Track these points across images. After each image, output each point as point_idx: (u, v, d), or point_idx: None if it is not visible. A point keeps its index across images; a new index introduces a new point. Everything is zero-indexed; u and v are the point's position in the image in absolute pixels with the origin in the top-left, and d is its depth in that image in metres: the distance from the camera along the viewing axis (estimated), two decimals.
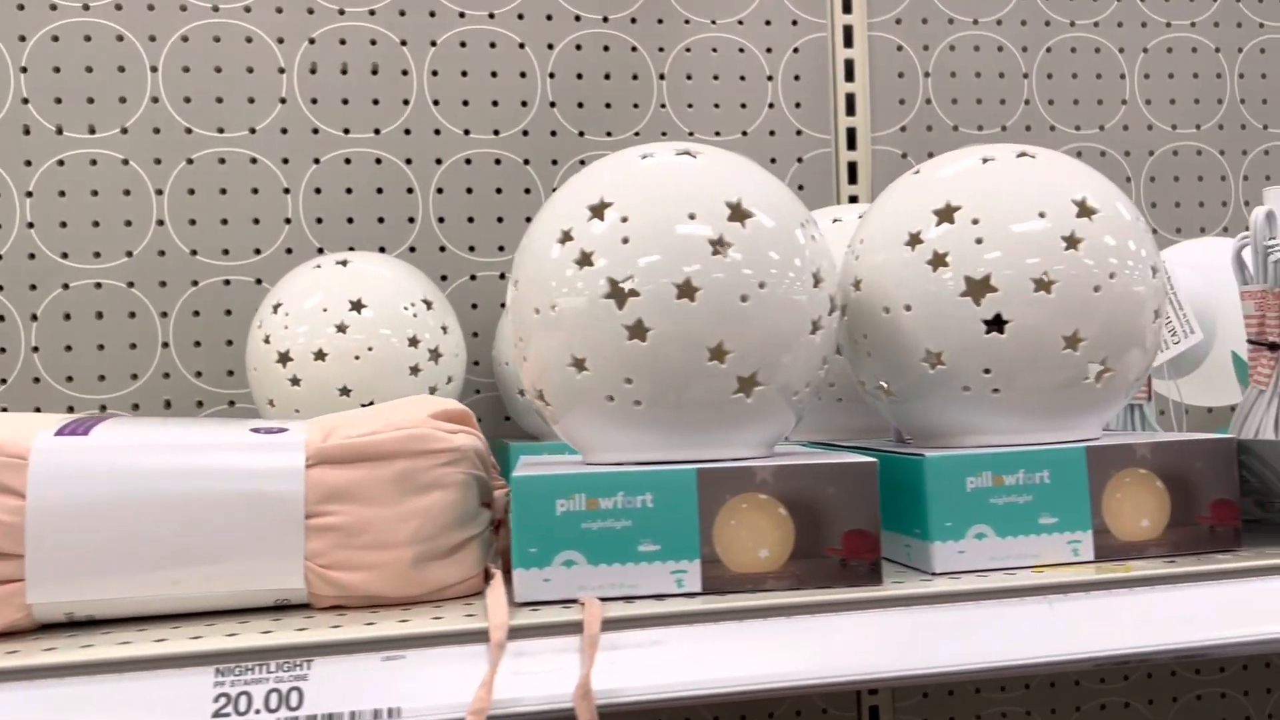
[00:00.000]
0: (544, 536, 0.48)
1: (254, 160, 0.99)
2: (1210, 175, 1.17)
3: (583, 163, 1.05)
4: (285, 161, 0.99)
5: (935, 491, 0.51)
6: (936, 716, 1.09)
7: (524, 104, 1.04)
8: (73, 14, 0.97)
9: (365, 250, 0.99)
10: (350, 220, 1.00)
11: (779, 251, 0.50)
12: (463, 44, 1.03)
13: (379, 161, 1.01)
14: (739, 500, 0.49)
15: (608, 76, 1.06)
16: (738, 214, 0.50)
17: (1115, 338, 0.53)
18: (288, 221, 0.99)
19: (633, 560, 0.48)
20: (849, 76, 1.10)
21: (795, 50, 1.10)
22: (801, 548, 0.49)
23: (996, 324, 0.53)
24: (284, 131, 0.99)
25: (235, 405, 0.98)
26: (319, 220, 1.00)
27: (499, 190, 1.03)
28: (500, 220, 1.03)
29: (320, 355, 0.79)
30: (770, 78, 1.09)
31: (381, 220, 1.01)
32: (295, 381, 0.79)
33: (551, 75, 1.05)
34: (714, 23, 1.08)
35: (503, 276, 1.02)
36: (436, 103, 1.02)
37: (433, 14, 1.02)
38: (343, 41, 1.01)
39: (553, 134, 1.05)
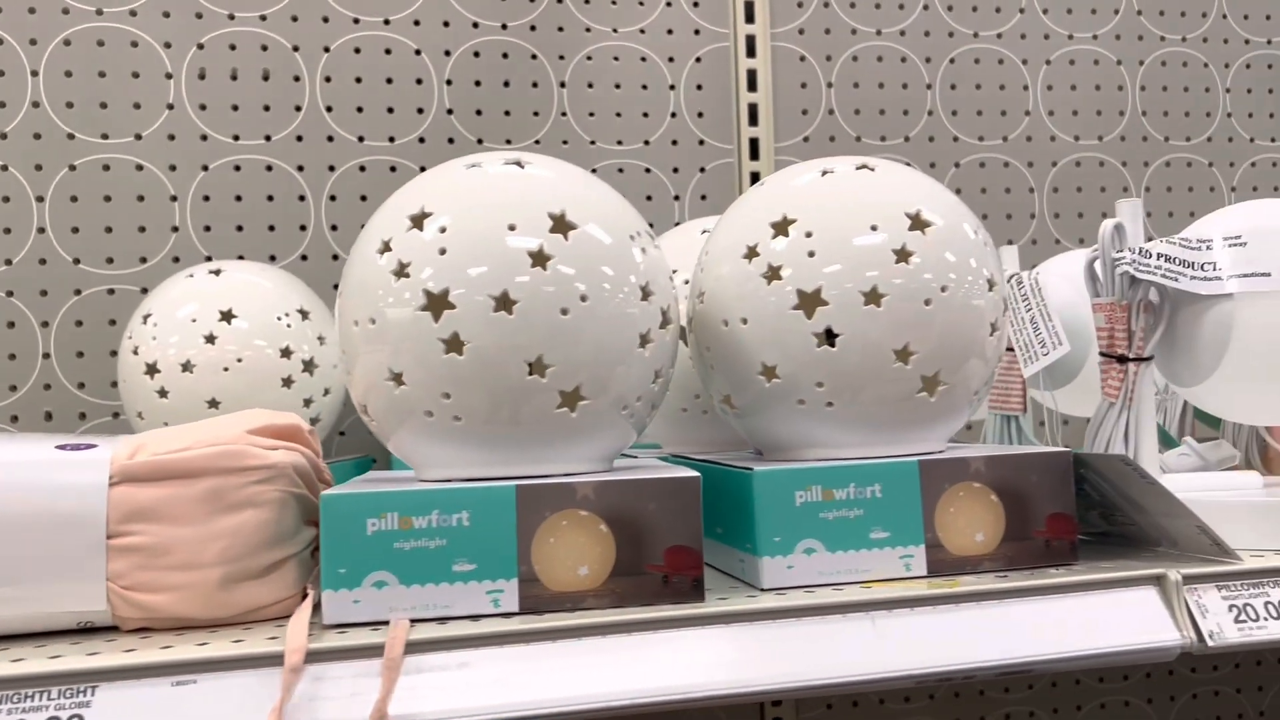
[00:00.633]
0: (353, 557, 0.46)
1: (140, 167, 0.97)
2: (1113, 186, 1.18)
3: None
4: (172, 168, 0.98)
5: (763, 506, 0.51)
6: None
7: (420, 111, 1.03)
8: None
9: (256, 259, 0.97)
10: (240, 228, 0.99)
11: (605, 264, 0.49)
12: (357, 50, 1.02)
13: (270, 168, 0.99)
14: (559, 517, 0.48)
15: (507, 84, 1.05)
16: (561, 226, 0.49)
17: (949, 351, 0.53)
18: (175, 229, 0.97)
19: (447, 580, 0.47)
20: (752, 86, 1.10)
21: (698, 60, 1.09)
22: (622, 565, 0.48)
23: (828, 337, 0.52)
24: (171, 138, 0.97)
25: (119, 418, 0.96)
26: (207, 228, 0.98)
27: None
28: None
29: (188, 367, 0.77)
30: (673, 87, 1.09)
31: (272, 228, 0.99)
32: (163, 393, 0.77)
33: (449, 82, 1.04)
34: (615, 31, 1.08)
35: None
36: (330, 109, 1.01)
37: (326, 19, 1.01)
38: (232, 47, 0.99)
39: (450, 141, 1.04)
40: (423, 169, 1.03)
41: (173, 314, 0.79)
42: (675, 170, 1.08)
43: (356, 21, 1.02)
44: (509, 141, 1.05)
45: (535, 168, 0.51)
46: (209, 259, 0.97)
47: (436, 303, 0.48)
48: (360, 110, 1.01)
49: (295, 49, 1.00)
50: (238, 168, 0.99)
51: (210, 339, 0.77)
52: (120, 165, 0.97)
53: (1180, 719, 1.15)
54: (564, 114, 1.06)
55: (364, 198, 1.01)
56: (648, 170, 1.07)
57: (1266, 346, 0.57)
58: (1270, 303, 0.57)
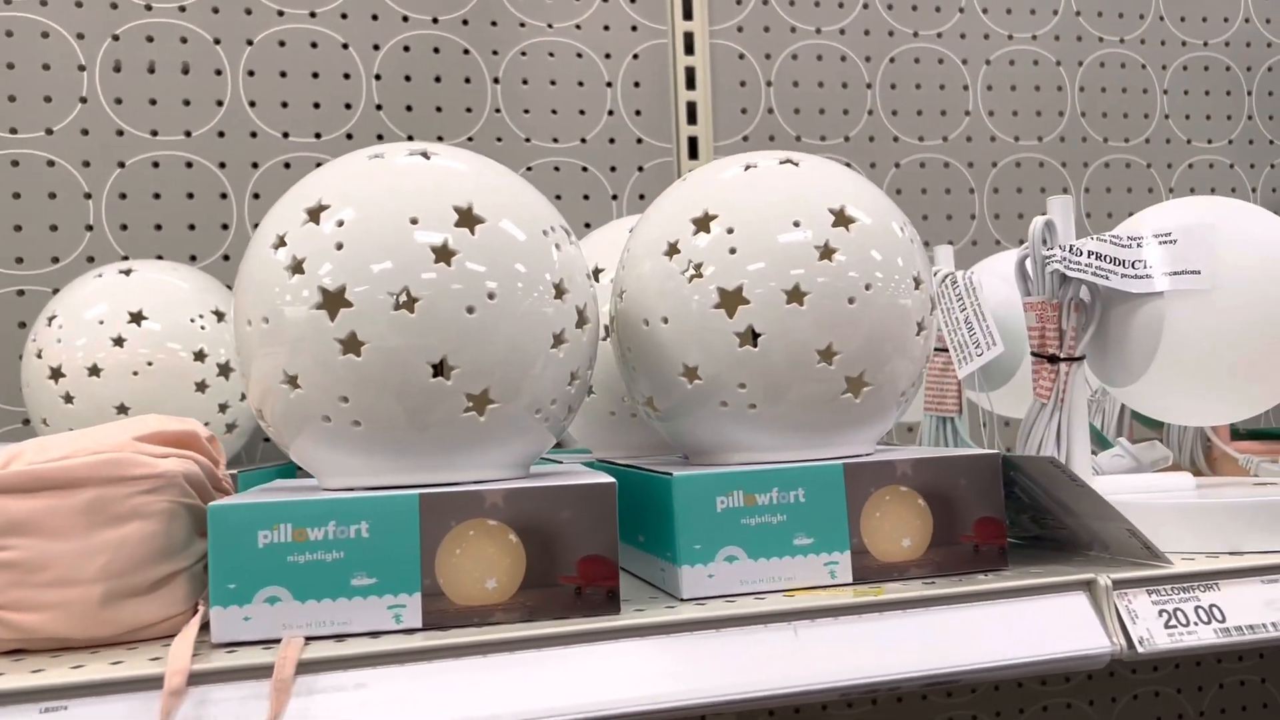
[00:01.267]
0: (244, 571, 0.44)
1: (51, 163, 0.93)
2: (1053, 187, 1.18)
3: None
4: (86, 165, 0.94)
5: (684, 512, 0.49)
6: None
7: (348, 106, 1.00)
8: None
9: (176, 259, 0.93)
10: (159, 227, 0.95)
11: (516, 260, 0.47)
12: (281, 43, 0.98)
13: (190, 165, 0.96)
14: (465, 527, 0.45)
15: (438, 79, 1.02)
16: (468, 219, 0.47)
17: (874, 351, 0.51)
18: (89, 228, 0.93)
19: (345, 595, 0.44)
20: (690, 84, 1.08)
21: (635, 56, 1.07)
22: (533, 577, 0.46)
23: (751, 337, 0.50)
24: (85, 133, 0.94)
25: (29, 425, 0.91)
26: (124, 227, 0.94)
27: None
28: None
29: (95, 371, 0.73)
30: (610, 84, 1.07)
31: (193, 227, 0.96)
32: (68, 399, 0.74)
33: (378, 77, 1.01)
34: (550, 26, 1.05)
35: None
36: (253, 104, 0.97)
37: (249, 11, 0.98)
38: (150, 39, 0.95)
39: (379, 138, 1.01)
40: None
41: (79, 315, 0.75)
42: (613, 169, 1.06)
43: (281, 14, 0.98)
44: (440, 139, 1.02)
45: (442, 159, 0.49)
46: (125, 259, 0.93)
47: (333, 301, 0.45)
48: (285, 105, 0.98)
49: (216, 42, 0.97)
50: (156, 164, 0.95)
51: (119, 341, 0.74)
52: (30, 161, 0.93)
53: None
54: (498, 110, 1.04)
55: None
56: (584, 169, 1.05)
57: (1197, 346, 0.57)
58: (1201, 302, 0.56)
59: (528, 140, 1.04)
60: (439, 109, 1.02)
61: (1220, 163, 1.22)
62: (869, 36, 1.13)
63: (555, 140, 1.05)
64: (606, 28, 1.07)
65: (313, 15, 0.99)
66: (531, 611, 0.46)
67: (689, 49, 1.08)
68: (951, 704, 1.11)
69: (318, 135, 0.99)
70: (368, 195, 0.46)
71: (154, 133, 0.95)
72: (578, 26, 1.06)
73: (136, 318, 0.75)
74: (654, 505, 0.51)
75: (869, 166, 1.13)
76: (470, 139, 1.03)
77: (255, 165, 0.97)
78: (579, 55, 1.06)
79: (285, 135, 0.98)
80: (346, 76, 1.00)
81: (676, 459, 0.61)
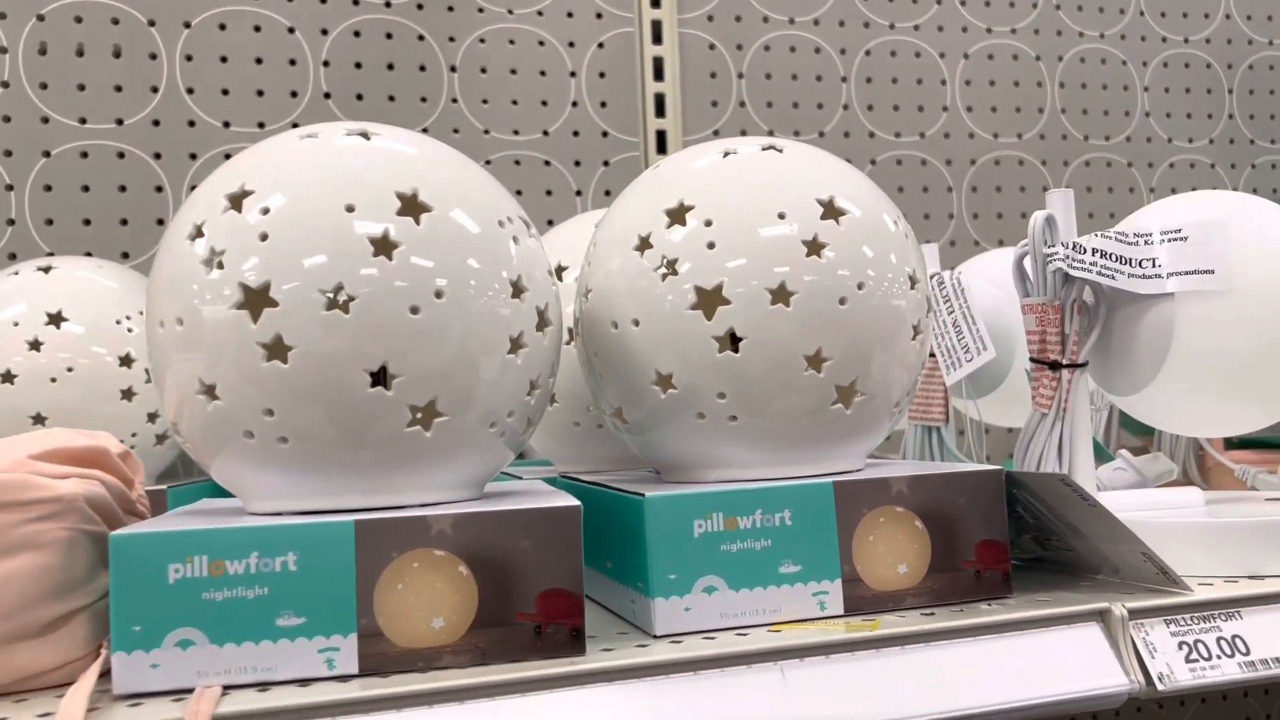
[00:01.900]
0: (151, 611, 0.38)
1: None
2: (1033, 185, 1.14)
3: None
4: (8, 154, 0.87)
5: (657, 538, 0.44)
6: None
7: (294, 94, 0.94)
8: None
9: (106, 256, 0.87)
10: (87, 222, 0.88)
11: (468, 255, 0.41)
12: (222, 26, 0.92)
13: (122, 155, 0.89)
14: (409, 559, 0.40)
15: (391, 67, 0.96)
16: (412, 208, 0.41)
17: (866, 357, 0.46)
18: (10, 223, 0.87)
19: (269, 638, 0.38)
20: (658, 75, 1.03)
21: (600, 45, 1.02)
22: (487, 615, 0.40)
23: (731, 341, 0.45)
24: (6, 120, 0.87)
25: None
26: (49, 222, 0.87)
27: None
28: None
29: (8, 377, 0.67)
30: (573, 74, 1.01)
31: (125, 222, 0.89)
32: None
33: (326, 64, 0.95)
34: (511, 13, 1.00)
35: None
36: (191, 91, 0.91)
37: None
38: (78, 19, 0.89)
39: None
40: None
41: None
42: (577, 163, 1.01)
43: None
44: None
45: (384, 139, 0.43)
46: (51, 255, 0.86)
47: (256, 299, 0.39)
48: (226, 93, 0.92)
49: (151, 24, 0.90)
50: (85, 154, 0.88)
51: (35, 345, 0.67)
52: None
53: None
54: (454, 100, 0.98)
55: None
56: (547, 163, 1.00)
57: (1210, 351, 0.52)
58: (1214, 303, 0.52)
59: (486, 132, 0.98)
60: (391, 98, 0.96)
61: (1201, 162, 1.19)
62: (844, 28, 1.09)
63: (516, 132, 0.99)
64: (570, 15, 1.01)
65: None
66: (484, 654, 0.40)
67: (657, 38, 1.03)
68: None
69: (261, 125, 0.93)
70: (298, 179, 0.41)
71: (82, 120, 0.88)
72: (540, 13, 1.01)
73: (56, 319, 0.68)
74: (624, 529, 0.46)
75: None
76: (425, 130, 0.97)
77: (193, 156, 0.91)
78: (541, 43, 1.01)
79: (226, 125, 0.92)
80: (292, 63, 0.94)
81: (648, 475, 0.56)
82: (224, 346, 0.39)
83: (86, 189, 0.88)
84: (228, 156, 0.91)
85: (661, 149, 1.03)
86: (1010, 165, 1.13)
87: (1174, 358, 0.53)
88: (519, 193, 0.98)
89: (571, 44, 1.01)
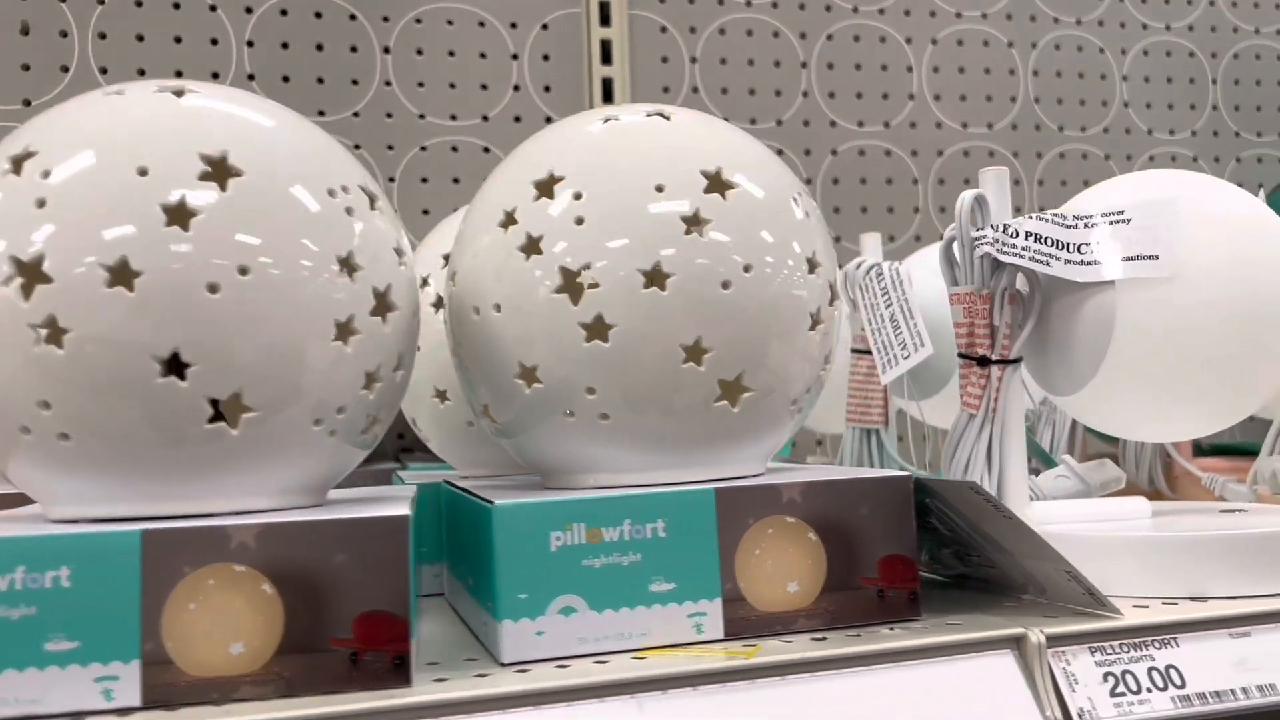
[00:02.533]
0: None
1: None
2: None
3: None
4: None
5: (506, 552, 0.38)
6: None
7: (215, 76, 0.89)
8: None
9: None
10: None
11: (289, 225, 0.36)
12: (139, 3, 0.87)
13: None
14: (204, 575, 0.35)
15: (320, 48, 0.91)
16: (220, 172, 0.36)
17: (754, 348, 0.41)
18: None
19: (35, 665, 0.33)
20: (606, 59, 0.98)
21: (545, 27, 0.97)
22: (295, 639, 0.35)
23: (600, 329, 0.40)
24: None
25: None
26: None
27: None
28: None
29: None
30: (515, 56, 0.96)
31: None
32: None
33: (250, 44, 0.90)
34: None
35: None
36: (104, 71, 0.86)
37: None
38: None
39: None
40: None
41: None
42: None
43: None
44: (322, 113, 0.91)
45: (199, 97, 0.38)
46: None
47: (31, 274, 0.34)
48: (142, 73, 0.87)
49: (62, 0, 0.86)
50: None
51: None
52: None
53: None
54: (388, 84, 0.93)
55: None
56: (486, 150, 0.95)
57: (1154, 346, 0.47)
58: (1158, 292, 0.47)
59: (422, 117, 0.93)
60: (320, 80, 0.91)
61: (1183, 155, 1.14)
62: (804, 11, 1.04)
63: (453, 117, 0.94)
64: None
65: None
66: (289, 685, 0.35)
67: (605, 20, 0.98)
68: None
69: None
70: (93, 142, 0.36)
71: None
72: None
73: None
74: (477, 542, 0.41)
75: (804, 153, 1.03)
76: (356, 114, 0.92)
77: None
78: (481, 24, 0.96)
79: None
80: (214, 42, 0.89)
81: (535, 481, 0.51)
82: None
83: None
84: None
85: None
86: (980, 157, 1.08)
87: (1115, 353, 0.48)
88: (456, 180, 0.93)
89: (514, 25, 0.96)
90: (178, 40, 0.88)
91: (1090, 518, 0.49)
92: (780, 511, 0.41)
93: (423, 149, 0.93)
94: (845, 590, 0.42)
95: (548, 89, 0.97)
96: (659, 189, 0.41)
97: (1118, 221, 0.48)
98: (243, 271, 0.35)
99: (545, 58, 0.97)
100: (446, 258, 0.53)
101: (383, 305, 0.39)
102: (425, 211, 0.92)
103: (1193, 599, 0.44)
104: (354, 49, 0.92)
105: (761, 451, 0.44)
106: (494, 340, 0.42)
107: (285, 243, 0.36)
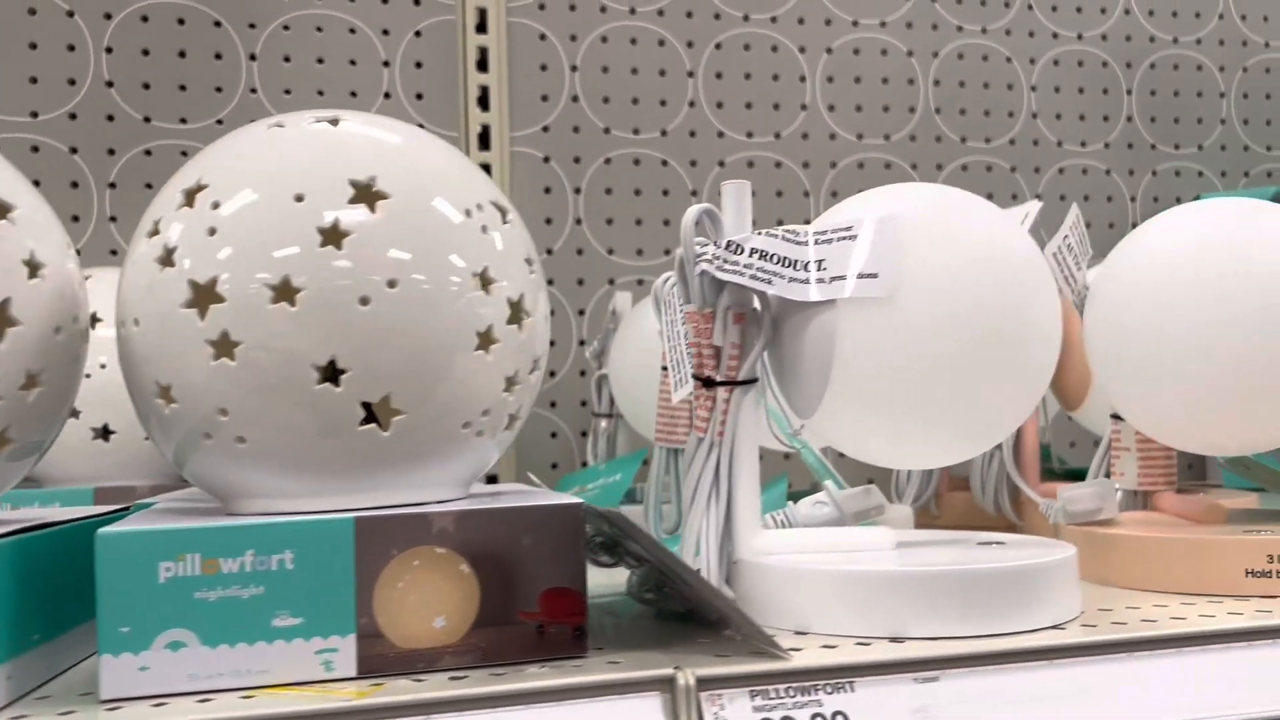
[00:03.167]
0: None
1: None
2: None
3: (148, 153, 0.89)
4: None
5: (108, 582, 0.36)
6: None
7: (72, 82, 0.88)
8: None
9: None
10: None
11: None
12: None
13: None
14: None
15: (183, 54, 0.90)
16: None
17: (404, 369, 0.39)
18: None
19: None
20: (483, 67, 0.96)
21: (418, 34, 0.95)
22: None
23: (227, 346, 0.38)
24: None
25: None
26: None
27: (37, 183, 0.87)
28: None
29: None
30: (386, 63, 0.95)
31: None
32: None
33: (109, 50, 0.89)
34: None
35: None
36: None
37: None
38: None
39: (110, 118, 0.89)
40: (74, 151, 0.88)
41: None
42: None
43: None
44: (184, 120, 0.90)
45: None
46: None
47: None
48: None
49: None
50: None
51: None
52: None
53: None
54: (254, 90, 0.92)
55: None
56: None
57: (870, 371, 0.44)
58: (876, 314, 0.44)
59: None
60: (182, 87, 0.90)
61: (1095, 168, 1.10)
62: (691, 20, 1.01)
63: None
64: (385, 0, 0.95)
65: None
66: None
67: (481, 27, 0.96)
68: None
69: (34, 114, 0.87)
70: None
71: None
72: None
73: None
74: (91, 570, 0.39)
75: (689, 164, 1.01)
76: (219, 122, 0.91)
77: None
78: (352, 31, 0.94)
79: None
80: (71, 48, 0.88)
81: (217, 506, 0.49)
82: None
83: None
84: None
85: (485, 145, 0.96)
86: (876, 169, 1.05)
87: (837, 377, 0.45)
88: None
89: (386, 31, 0.95)
90: (33, 46, 0.87)
91: (821, 548, 0.47)
92: (430, 542, 0.39)
93: None
94: (500, 625, 0.39)
95: (420, 97, 0.95)
96: (298, 198, 0.38)
97: (845, 238, 0.45)
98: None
99: (418, 65, 0.95)
100: None
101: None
102: None
103: (892, 639, 0.41)
104: (218, 56, 0.91)
105: (444, 478, 0.42)
106: (133, 356, 0.40)
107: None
